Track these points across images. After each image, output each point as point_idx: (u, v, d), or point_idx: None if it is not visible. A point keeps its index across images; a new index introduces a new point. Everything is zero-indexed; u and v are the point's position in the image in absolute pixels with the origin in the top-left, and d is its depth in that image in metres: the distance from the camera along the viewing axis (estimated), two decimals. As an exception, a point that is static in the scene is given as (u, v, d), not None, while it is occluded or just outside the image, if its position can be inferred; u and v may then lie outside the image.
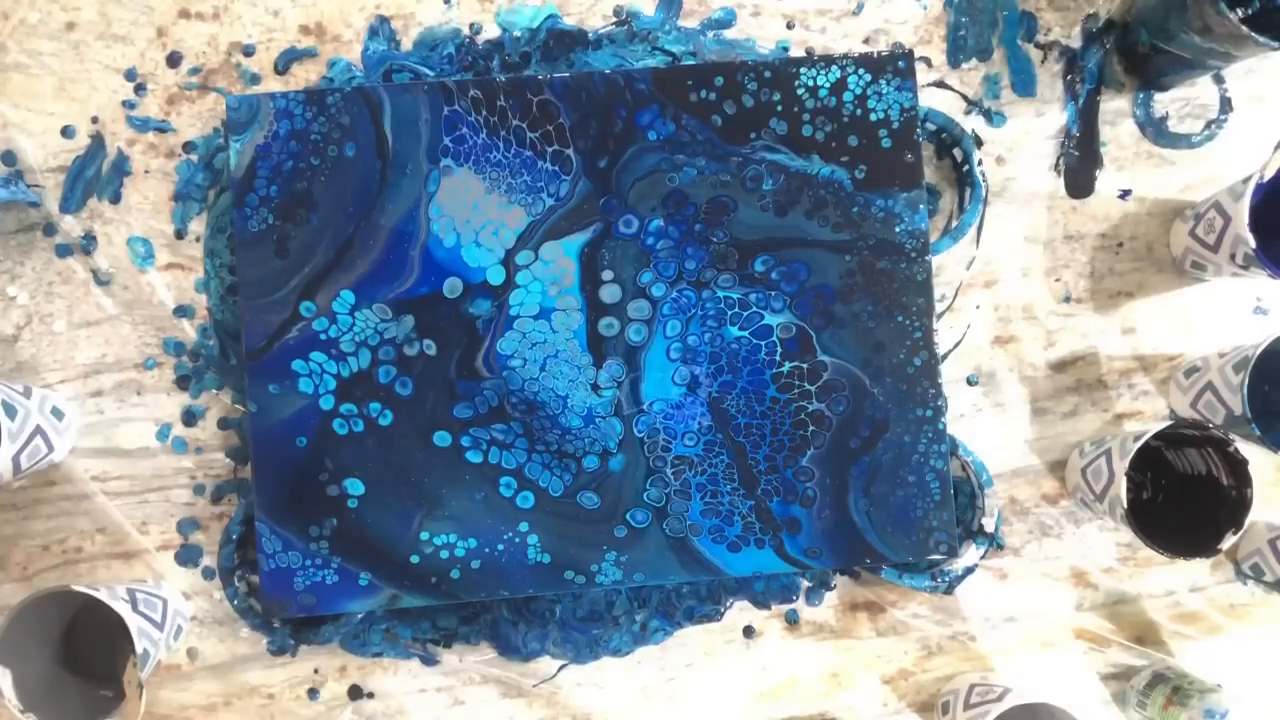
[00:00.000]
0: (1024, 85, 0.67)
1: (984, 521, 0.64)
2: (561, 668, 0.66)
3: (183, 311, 0.65)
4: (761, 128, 0.62)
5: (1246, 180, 0.58)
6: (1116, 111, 0.67)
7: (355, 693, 0.65)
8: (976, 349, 0.67)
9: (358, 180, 0.61)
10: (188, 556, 0.65)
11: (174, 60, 0.65)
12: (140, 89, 0.65)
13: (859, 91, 0.62)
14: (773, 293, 0.62)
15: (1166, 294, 0.67)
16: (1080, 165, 0.67)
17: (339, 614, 0.64)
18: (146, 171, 0.65)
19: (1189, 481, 0.63)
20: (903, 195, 0.62)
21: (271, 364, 0.61)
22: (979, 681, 0.63)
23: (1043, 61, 0.67)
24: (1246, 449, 0.57)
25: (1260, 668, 0.67)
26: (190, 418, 0.65)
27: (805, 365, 0.62)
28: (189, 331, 0.65)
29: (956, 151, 0.66)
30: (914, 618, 0.66)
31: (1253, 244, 0.57)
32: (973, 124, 0.67)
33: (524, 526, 0.61)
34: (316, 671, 0.65)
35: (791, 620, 0.66)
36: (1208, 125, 0.68)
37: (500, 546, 0.61)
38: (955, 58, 0.67)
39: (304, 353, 0.61)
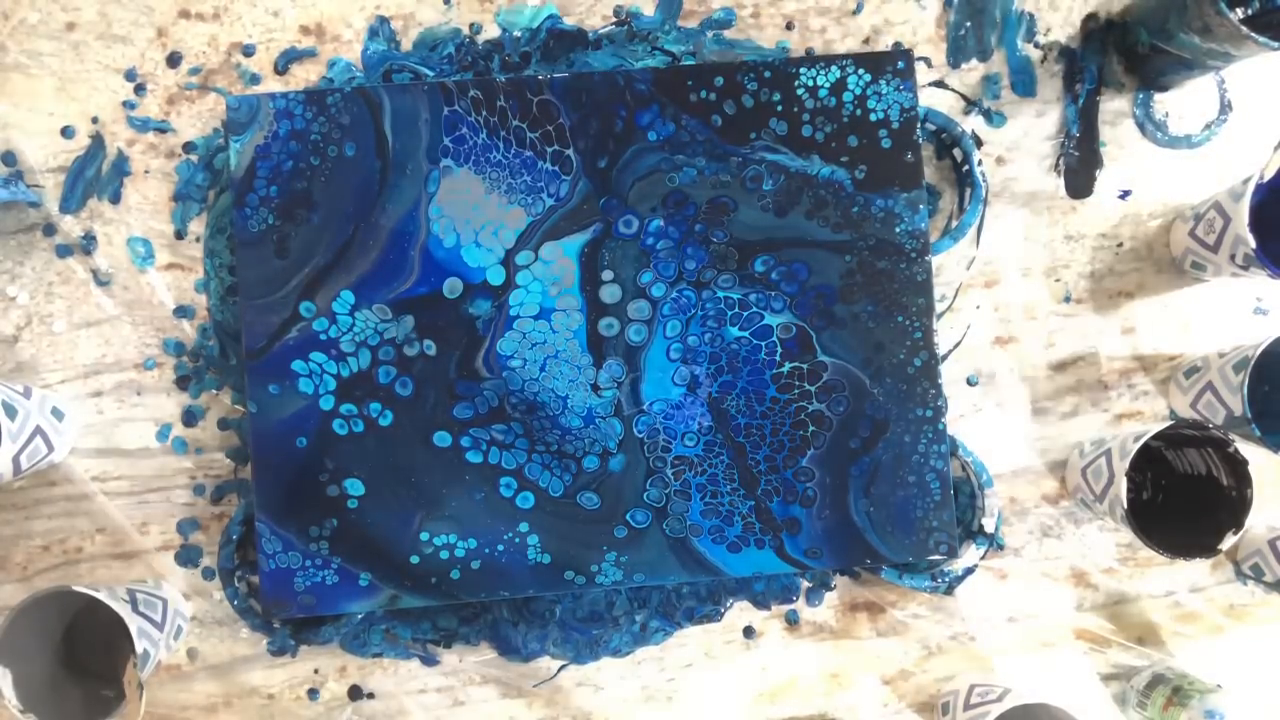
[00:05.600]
0: (1024, 85, 0.67)
1: (984, 521, 0.64)
2: (561, 668, 0.66)
3: (183, 311, 0.65)
4: (761, 128, 0.62)
5: (1246, 180, 0.58)
6: (1116, 111, 0.68)
7: (355, 693, 0.65)
8: (976, 349, 0.67)
9: (358, 180, 0.61)
10: (188, 557, 0.65)
11: (174, 60, 0.65)
12: (140, 89, 0.65)
13: (859, 92, 0.62)
14: (773, 293, 0.62)
15: (1166, 294, 0.67)
16: (1080, 165, 0.67)
17: (339, 614, 0.64)
18: (146, 171, 0.65)
19: (1189, 481, 0.63)
20: (903, 195, 0.62)
21: (271, 364, 0.61)
22: (979, 681, 0.63)
23: (1043, 61, 0.67)
24: (1246, 449, 0.57)
25: (1260, 668, 0.67)
26: (190, 418, 0.65)
27: (805, 365, 0.62)
28: (189, 331, 0.65)
29: (956, 151, 0.66)
30: (914, 618, 0.66)
31: (1253, 244, 0.57)
32: (973, 124, 0.67)
33: (524, 527, 0.61)
34: (316, 672, 0.65)
35: (791, 620, 0.66)
36: (1208, 125, 0.68)
37: (500, 547, 0.61)
38: (955, 58, 0.67)
39: (304, 353, 0.61)
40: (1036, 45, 0.67)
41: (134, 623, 0.55)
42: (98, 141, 0.65)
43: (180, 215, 0.65)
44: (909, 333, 0.62)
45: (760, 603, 0.66)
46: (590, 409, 0.61)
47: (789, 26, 0.67)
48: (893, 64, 0.62)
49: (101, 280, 0.65)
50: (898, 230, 0.62)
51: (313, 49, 0.66)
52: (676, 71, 0.62)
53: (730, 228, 0.62)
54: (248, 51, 0.66)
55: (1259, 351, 0.58)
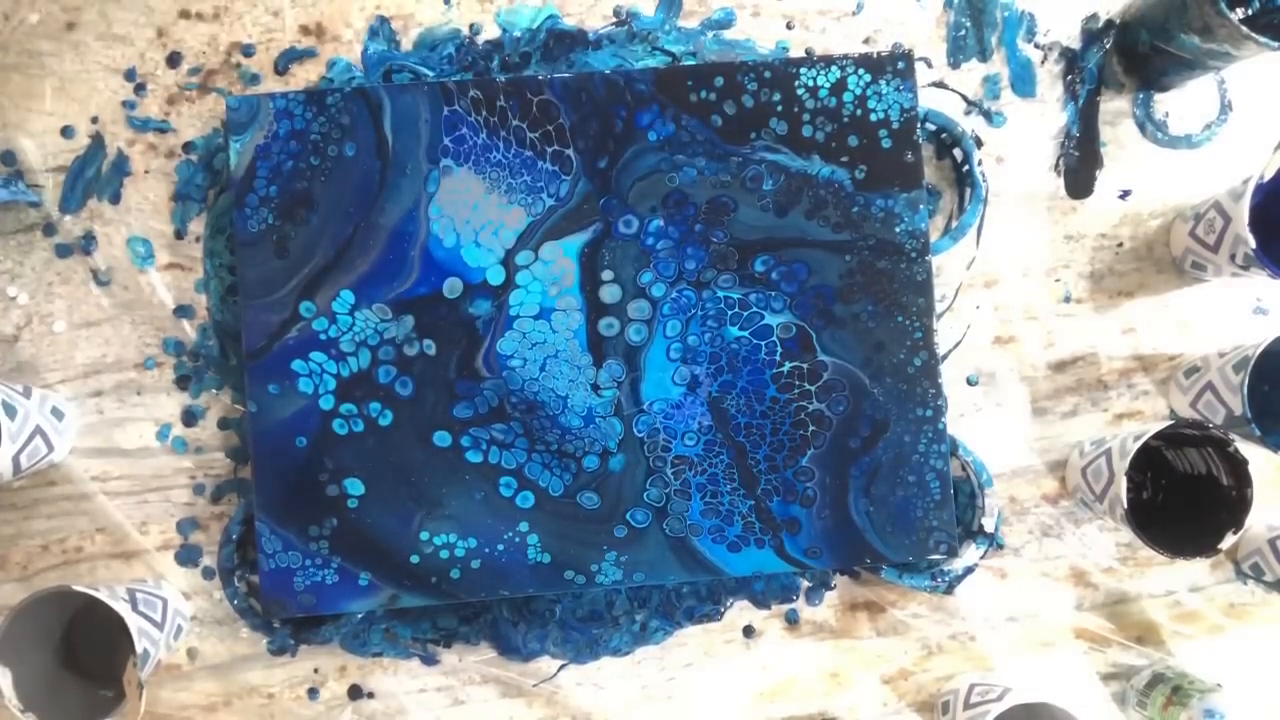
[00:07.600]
0: (1024, 85, 0.67)
1: (984, 521, 0.64)
2: (561, 668, 0.66)
3: (183, 311, 0.65)
4: (761, 128, 0.62)
5: (1246, 180, 0.58)
6: (1116, 111, 0.68)
7: (355, 693, 0.65)
8: (976, 349, 0.67)
9: (358, 180, 0.61)
10: (188, 556, 0.65)
11: (174, 60, 0.65)
12: (140, 89, 0.65)
13: (859, 92, 0.62)
14: (773, 293, 0.62)
15: (1166, 294, 0.67)
16: (1080, 165, 0.67)
17: (339, 614, 0.64)
18: (146, 171, 0.65)
19: (1189, 481, 0.63)
20: (903, 195, 0.62)
21: (271, 364, 0.61)
22: (979, 681, 0.63)
23: (1043, 61, 0.67)
24: (1246, 449, 0.57)
25: (1260, 668, 0.67)
26: (190, 418, 0.65)
27: (805, 365, 0.62)
28: (189, 331, 0.65)
29: (956, 151, 0.66)
30: (914, 618, 0.66)
31: (1253, 244, 0.57)
32: (973, 124, 0.67)
33: (524, 526, 0.61)
34: (316, 671, 0.65)
35: (791, 620, 0.66)
36: (1208, 125, 0.68)
37: (500, 546, 0.61)
38: (955, 58, 0.67)
39: (304, 353, 0.61)
40: (1036, 45, 0.67)
41: (134, 622, 0.55)
42: (98, 141, 0.65)
43: (180, 215, 0.65)
44: (909, 333, 0.62)
45: (760, 602, 0.66)
46: (590, 409, 0.61)
47: (789, 26, 0.67)
48: (893, 64, 0.62)
49: (101, 280, 0.65)
50: (898, 230, 0.62)
51: (313, 49, 0.66)
52: (676, 71, 0.62)
53: (730, 228, 0.62)
54: (248, 51, 0.66)
55: (1259, 351, 0.58)
